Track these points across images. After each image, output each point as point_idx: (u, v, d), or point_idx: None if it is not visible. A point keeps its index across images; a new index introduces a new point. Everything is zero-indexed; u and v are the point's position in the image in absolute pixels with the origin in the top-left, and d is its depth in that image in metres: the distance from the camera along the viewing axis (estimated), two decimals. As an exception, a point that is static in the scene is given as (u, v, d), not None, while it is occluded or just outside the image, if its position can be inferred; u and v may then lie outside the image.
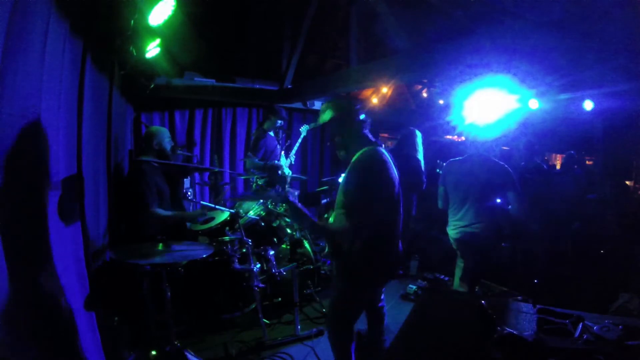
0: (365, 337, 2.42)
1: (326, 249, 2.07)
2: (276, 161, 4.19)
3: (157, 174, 2.80)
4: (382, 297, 2.31)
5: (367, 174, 1.80)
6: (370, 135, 1.97)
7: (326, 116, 1.94)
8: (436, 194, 3.16)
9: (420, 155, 3.71)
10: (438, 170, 3.20)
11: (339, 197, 1.89)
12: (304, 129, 4.84)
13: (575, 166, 5.28)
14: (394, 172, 1.90)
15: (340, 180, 2.08)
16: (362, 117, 1.92)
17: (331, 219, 2.00)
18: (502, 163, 2.87)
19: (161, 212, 2.63)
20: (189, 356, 2.25)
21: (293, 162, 4.60)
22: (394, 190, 1.88)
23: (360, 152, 1.87)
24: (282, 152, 4.40)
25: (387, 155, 1.91)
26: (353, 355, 2.04)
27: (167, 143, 2.89)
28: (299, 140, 4.81)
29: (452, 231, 2.98)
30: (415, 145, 3.67)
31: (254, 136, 4.42)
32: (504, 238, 3.76)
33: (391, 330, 2.44)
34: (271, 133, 4.45)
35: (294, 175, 4.56)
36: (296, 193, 3.91)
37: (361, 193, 1.76)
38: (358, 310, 2.07)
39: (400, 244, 2.04)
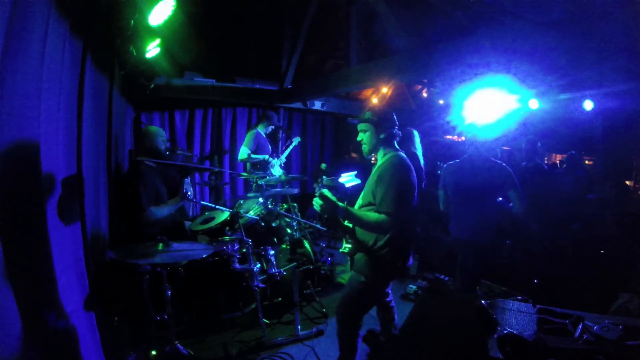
0: (381, 335, 2.57)
1: (343, 246, 2.18)
2: (267, 156, 4.38)
3: (156, 174, 2.80)
4: (389, 291, 2.44)
5: (401, 178, 1.99)
6: (396, 145, 2.18)
7: (366, 117, 2.14)
8: (436, 195, 3.17)
9: (419, 153, 3.74)
10: (439, 172, 3.20)
11: (367, 196, 2.08)
12: (295, 140, 5.02)
13: (577, 167, 5.26)
14: (415, 177, 2.09)
15: (344, 180, 2.24)
16: (395, 129, 2.14)
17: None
18: (501, 162, 2.87)
19: (157, 212, 2.63)
20: (189, 356, 2.25)
21: (283, 164, 4.74)
22: (415, 194, 2.08)
23: (388, 156, 2.09)
24: (274, 154, 4.51)
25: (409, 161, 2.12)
26: (358, 348, 2.20)
27: (160, 143, 2.86)
28: (290, 148, 4.93)
29: (454, 231, 2.98)
30: (414, 144, 3.70)
31: (249, 133, 4.60)
32: (506, 236, 3.76)
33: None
34: (263, 134, 4.57)
35: (294, 175, 4.59)
36: (295, 191, 3.98)
37: (396, 194, 1.94)
38: (371, 303, 2.28)
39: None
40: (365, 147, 2.17)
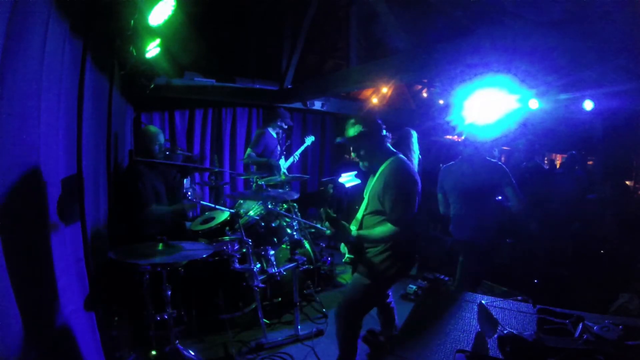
0: (380, 334, 2.58)
1: (345, 257, 2.16)
2: (273, 160, 4.25)
3: (155, 174, 2.81)
4: (389, 292, 2.45)
5: (407, 182, 1.98)
6: (391, 147, 2.12)
7: (354, 130, 2.05)
8: (436, 194, 3.17)
9: (415, 155, 3.75)
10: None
11: (373, 203, 2.03)
12: (309, 140, 4.87)
13: (576, 167, 5.27)
14: (419, 178, 2.06)
15: (344, 180, 2.22)
16: (384, 132, 2.07)
17: (353, 226, 2.13)
18: (495, 161, 2.87)
19: (158, 209, 2.63)
20: (189, 356, 2.25)
21: (295, 161, 4.65)
22: (418, 196, 2.05)
23: (388, 162, 2.04)
24: (283, 155, 4.41)
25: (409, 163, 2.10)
26: (358, 348, 2.20)
27: (154, 146, 2.84)
28: (302, 148, 4.82)
29: (455, 232, 2.98)
30: (411, 145, 3.71)
31: (256, 133, 4.46)
32: (506, 235, 3.76)
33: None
34: (273, 134, 4.47)
35: (295, 175, 4.57)
36: (295, 196, 3.94)
37: (405, 200, 1.94)
38: (373, 305, 2.30)
39: None
40: (365, 163, 2.10)
